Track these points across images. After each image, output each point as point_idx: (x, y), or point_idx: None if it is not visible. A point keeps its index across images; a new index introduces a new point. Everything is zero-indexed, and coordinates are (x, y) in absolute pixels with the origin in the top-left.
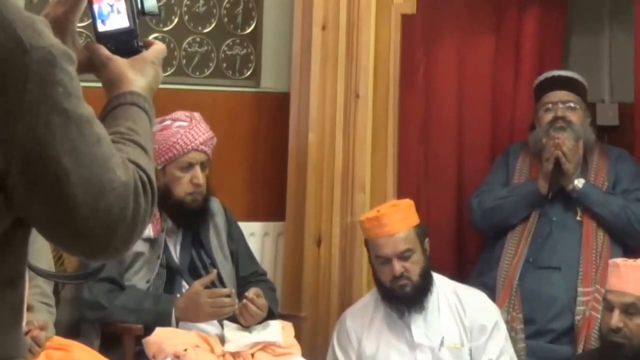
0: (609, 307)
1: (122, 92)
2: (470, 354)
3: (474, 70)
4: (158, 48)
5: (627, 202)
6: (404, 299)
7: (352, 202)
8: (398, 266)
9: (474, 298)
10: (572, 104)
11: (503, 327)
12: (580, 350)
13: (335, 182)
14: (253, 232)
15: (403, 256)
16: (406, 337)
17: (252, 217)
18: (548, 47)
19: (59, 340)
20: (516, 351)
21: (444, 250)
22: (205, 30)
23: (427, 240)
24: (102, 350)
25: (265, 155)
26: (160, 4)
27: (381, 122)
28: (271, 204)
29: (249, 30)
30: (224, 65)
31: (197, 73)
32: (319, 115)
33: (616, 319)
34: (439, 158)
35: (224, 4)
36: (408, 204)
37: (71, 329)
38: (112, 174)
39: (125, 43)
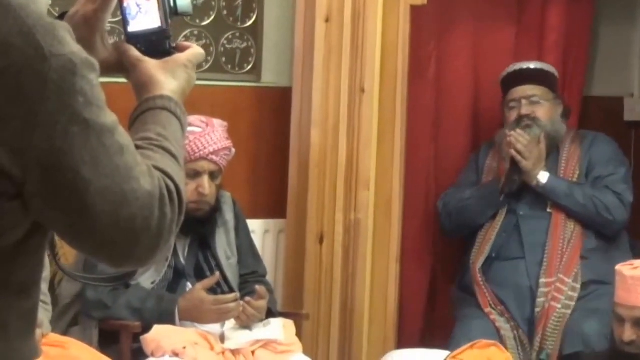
0: (619, 320)
1: (152, 96)
2: None
3: (491, 63)
4: (194, 51)
5: (594, 191)
6: None
7: (356, 199)
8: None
9: None
10: (536, 99)
11: None
12: (538, 341)
13: (339, 178)
14: (253, 229)
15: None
16: None
17: (252, 214)
18: (574, 39)
19: (55, 337)
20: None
21: (452, 250)
22: (204, 23)
23: None
24: (100, 347)
25: (267, 152)
26: None
27: (388, 118)
28: (272, 200)
29: (249, 23)
30: (224, 59)
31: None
32: (322, 110)
33: (629, 333)
34: (451, 155)
35: None
36: None
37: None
38: (136, 184)
39: (157, 44)
